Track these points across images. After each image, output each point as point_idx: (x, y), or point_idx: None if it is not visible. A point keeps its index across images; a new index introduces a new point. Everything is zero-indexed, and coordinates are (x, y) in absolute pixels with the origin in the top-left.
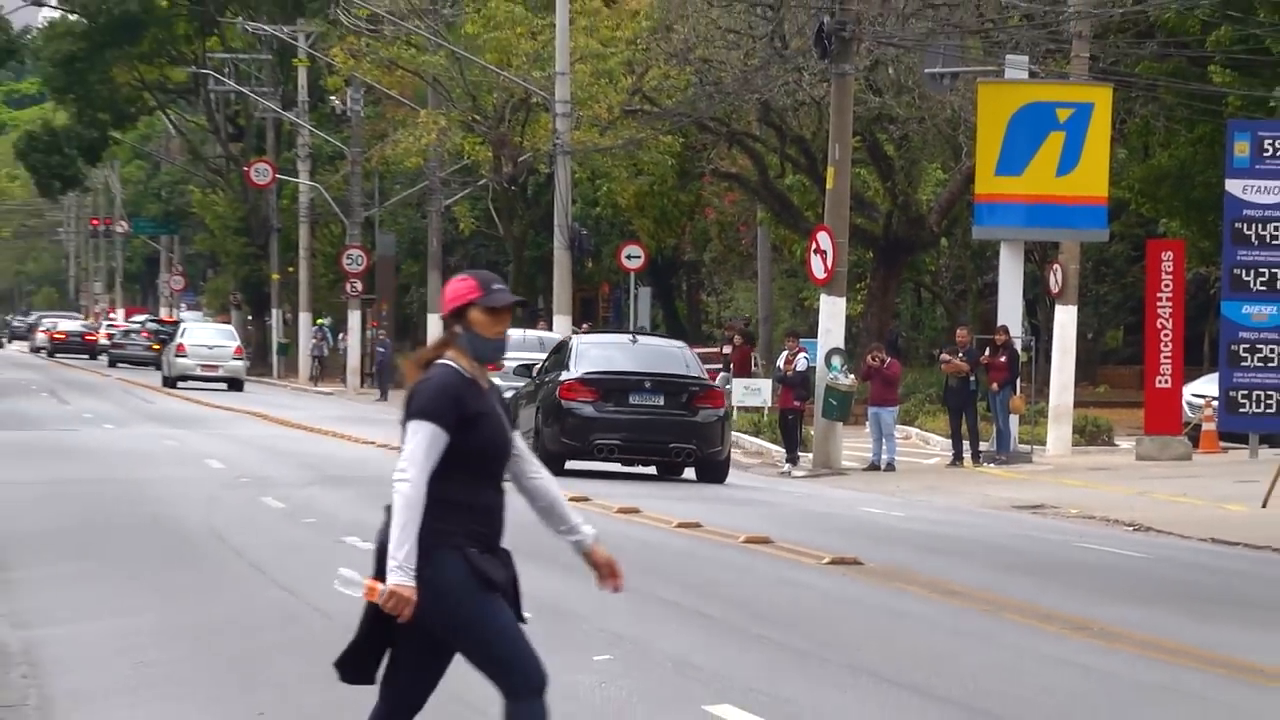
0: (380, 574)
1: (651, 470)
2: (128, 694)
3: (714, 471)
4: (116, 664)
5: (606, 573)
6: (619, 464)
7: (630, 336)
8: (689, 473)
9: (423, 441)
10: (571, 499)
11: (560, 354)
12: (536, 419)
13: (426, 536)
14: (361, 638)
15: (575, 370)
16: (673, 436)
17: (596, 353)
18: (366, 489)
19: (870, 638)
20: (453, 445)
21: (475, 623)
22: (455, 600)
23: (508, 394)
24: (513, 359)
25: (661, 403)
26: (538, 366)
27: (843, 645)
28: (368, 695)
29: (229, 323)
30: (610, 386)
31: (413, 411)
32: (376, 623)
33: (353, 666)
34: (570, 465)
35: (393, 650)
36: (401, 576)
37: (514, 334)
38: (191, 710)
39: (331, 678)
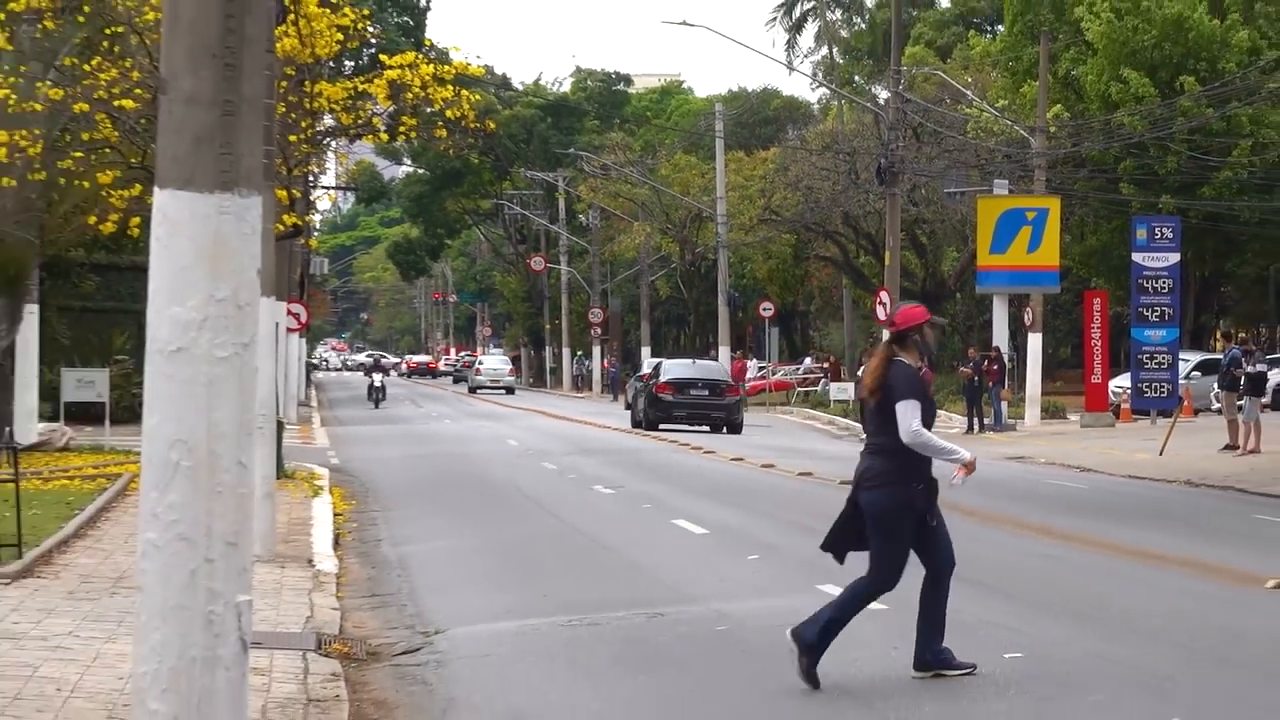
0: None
1: (705, 429)
2: (461, 585)
3: (735, 429)
4: (453, 567)
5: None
6: (685, 426)
7: (692, 360)
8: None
9: (914, 412)
10: (682, 444)
11: (656, 369)
12: (644, 402)
13: (895, 470)
14: (837, 530)
15: (663, 377)
16: (713, 410)
17: (674, 369)
18: (608, 456)
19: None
20: None
21: (895, 534)
22: (899, 520)
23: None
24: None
25: (707, 394)
26: (646, 375)
27: None
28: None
29: (519, 358)
30: (680, 385)
31: (900, 395)
32: (849, 521)
33: (832, 548)
34: (661, 427)
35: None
36: (963, 456)
37: (649, 361)
38: (502, 594)
39: (582, 573)
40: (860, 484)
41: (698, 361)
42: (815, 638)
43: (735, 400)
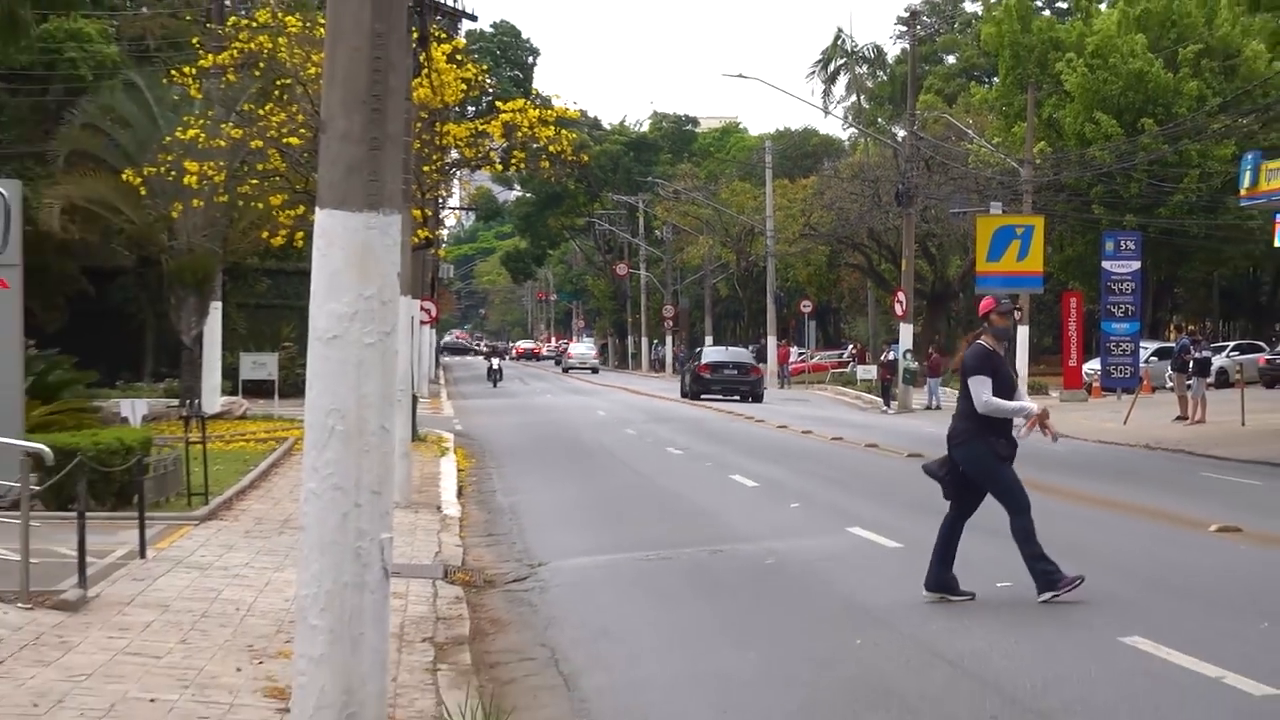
0: (949, 451)
1: (736, 399)
2: (560, 527)
3: (758, 399)
4: (554, 512)
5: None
6: (719, 397)
7: (725, 347)
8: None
9: (983, 386)
10: (737, 414)
11: (698, 354)
12: (689, 378)
13: (975, 430)
14: (946, 469)
15: (703, 360)
16: (740, 385)
17: (711, 354)
18: (677, 424)
19: (924, 492)
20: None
21: (992, 475)
22: (985, 464)
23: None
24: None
25: (736, 373)
26: (691, 357)
27: (916, 501)
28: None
29: (606, 345)
30: (716, 366)
31: (970, 371)
32: (953, 471)
33: (935, 476)
34: (702, 397)
35: (955, 488)
36: (1030, 410)
37: (697, 349)
38: (593, 533)
39: (656, 517)
40: (950, 442)
41: (730, 348)
42: (1046, 579)
43: (758, 378)
